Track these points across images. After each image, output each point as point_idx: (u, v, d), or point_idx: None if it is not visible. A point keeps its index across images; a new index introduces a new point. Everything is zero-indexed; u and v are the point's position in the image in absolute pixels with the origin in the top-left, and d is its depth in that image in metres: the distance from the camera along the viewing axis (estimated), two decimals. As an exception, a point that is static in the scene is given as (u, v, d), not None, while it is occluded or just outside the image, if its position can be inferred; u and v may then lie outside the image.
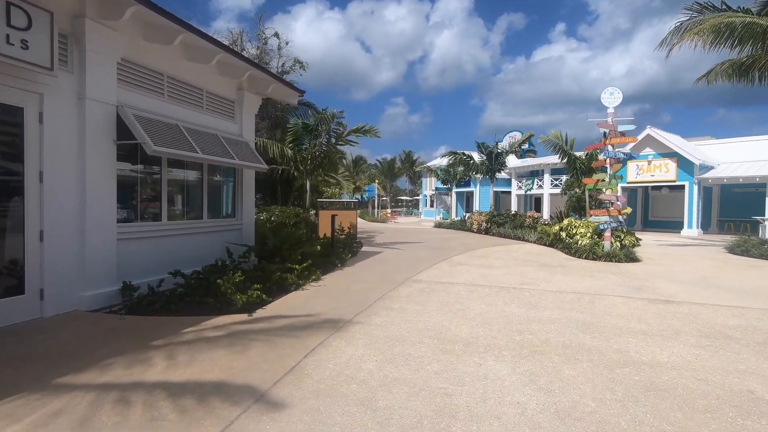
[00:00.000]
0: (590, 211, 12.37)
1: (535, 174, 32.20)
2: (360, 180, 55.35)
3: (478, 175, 24.51)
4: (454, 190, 37.34)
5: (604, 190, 11.84)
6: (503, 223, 19.55)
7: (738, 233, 22.52)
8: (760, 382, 3.55)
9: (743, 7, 11.82)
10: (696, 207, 21.79)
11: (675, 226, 23.61)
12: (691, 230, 21.78)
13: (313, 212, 16.22)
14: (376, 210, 38.92)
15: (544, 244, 14.68)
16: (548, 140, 14.67)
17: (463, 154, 22.28)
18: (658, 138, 22.56)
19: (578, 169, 14.57)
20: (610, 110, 11.68)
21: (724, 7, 11.87)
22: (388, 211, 49.17)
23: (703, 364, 3.94)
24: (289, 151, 13.66)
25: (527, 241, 16.08)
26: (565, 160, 14.92)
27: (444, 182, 25.69)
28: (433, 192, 39.29)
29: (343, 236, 13.96)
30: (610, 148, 11.64)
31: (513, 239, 17.16)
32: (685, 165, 21.90)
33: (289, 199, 20.02)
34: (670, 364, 3.95)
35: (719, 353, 4.25)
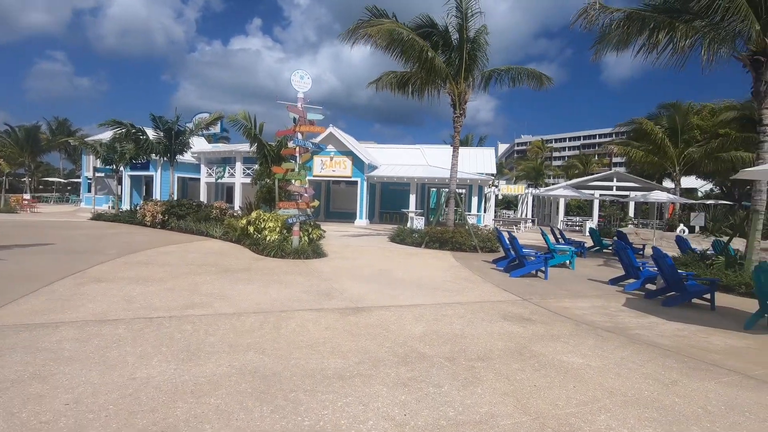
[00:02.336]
0: (280, 203, 11.35)
1: (227, 161, 29.99)
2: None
3: (156, 157, 20.15)
4: (128, 173, 30.46)
5: (293, 180, 10.97)
6: (185, 215, 16.44)
7: (393, 223, 27.56)
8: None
9: (408, 25, 13.41)
10: (365, 201, 25.05)
11: (350, 216, 26.59)
12: (361, 221, 24.88)
13: None
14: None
15: (231, 240, 12.78)
16: (236, 120, 12.83)
17: (133, 126, 17.52)
18: (338, 137, 24.62)
19: (268, 156, 13.43)
20: (300, 95, 10.88)
21: (393, 19, 13.11)
22: (25, 196, 35.89)
23: (413, 424, 2.87)
24: None
25: (212, 236, 13.77)
26: (255, 147, 13.51)
27: (107, 162, 19.85)
28: (99, 174, 30.87)
29: None
30: (299, 135, 10.83)
31: (196, 235, 14.46)
32: (358, 163, 24.77)
33: None
34: (379, 437, 2.68)
35: (422, 392, 3.36)
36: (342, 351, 4.16)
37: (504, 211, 39.56)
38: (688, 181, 32.57)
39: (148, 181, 32.96)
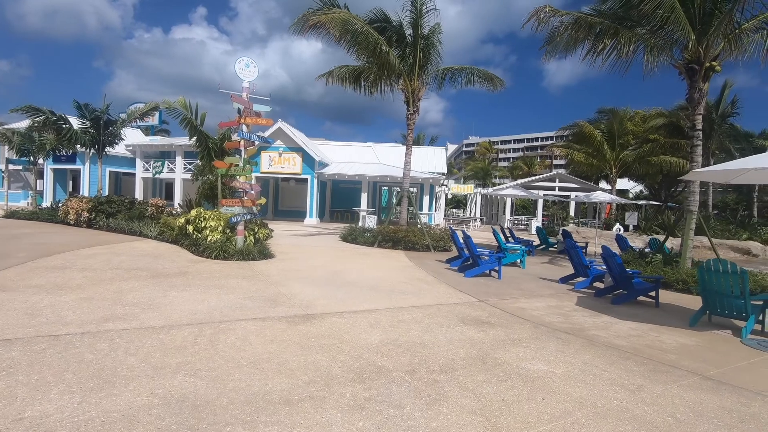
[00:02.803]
0: (223, 200, 10.50)
1: (166, 155, 27.96)
2: None
3: (83, 148, 18.22)
4: (51, 165, 27.60)
5: (237, 176, 10.18)
6: (115, 212, 14.97)
7: (343, 221, 27.01)
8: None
9: (362, 18, 12.95)
10: (316, 199, 24.31)
11: (300, 215, 25.72)
12: (311, 219, 24.12)
13: None
14: None
15: (168, 241, 11.71)
16: (173, 108, 11.70)
17: (53, 113, 15.63)
18: (288, 132, 23.68)
19: (211, 149, 12.43)
20: (246, 84, 10.10)
21: (346, 9, 12.62)
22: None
23: (374, 457, 2.46)
24: None
25: (146, 237, 12.57)
26: (195, 139, 12.46)
27: (23, 153, 17.65)
28: (14, 167, 27.66)
29: None
30: (244, 128, 10.05)
31: (127, 234, 13.16)
32: (308, 160, 23.97)
33: None
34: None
35: (382, 416, 2.96)
36: (290, 368, 3.66)
37: (454, 210, 40.22)
38: (621, 183, 34.73)
39: (75, 176, 30.11)
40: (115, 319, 4.71)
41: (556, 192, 28.54)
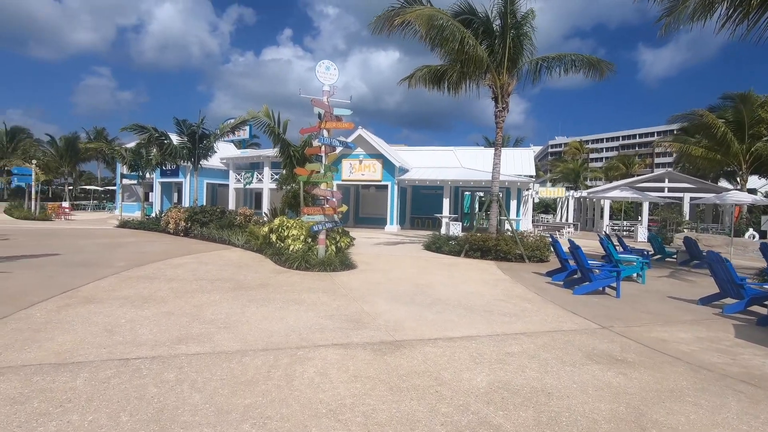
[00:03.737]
0: (304, 208, 10.24)
1: (255, 167, 29.45)
2: (14, 161, 39.31)
3: (182, 162, 19.61)
4: (159, 179, 30.44)
5: (319, 183, 9.82)
6: (207, 221, 15.65)
7: (424, 228, 26.16)
8: None
9: (446, 12, 12.09)
10: (396, 205, 23.77)
11: (380, 222, 25.36)
12: (392, 226, 23.60)
13: None
14: (33, 202, 27.35)
15: (253, 250, 11.76)
16: (257, 117, 11.82)
17: (155, 130, 16.92)
18: (368, 139, 23.49)
19: (293, 157, 12.37)
20: (326, 88, 9.74)
21: (429, 5, 11.85)
22: (65, 204, 36.73)
23: None
24: None
25: (234, 245, 12.83)
26: (278, 148, 12.49)
27: (133, 168, 19.45)
28: (127, 181, 30.95)
29: None
30: (325, 133, 9.68)
31: (217, 243, 13.58)
32: (388, 166, 23.54)
33: None
34: None
35: None
36: (378, 422, 2.87)
37: (542, 216, 37.36)
38: (751, 181, 29.60)
39: (179, 188, 32.87)
40: (189, 341, 4.31)
41: (666, 194, 25.00)
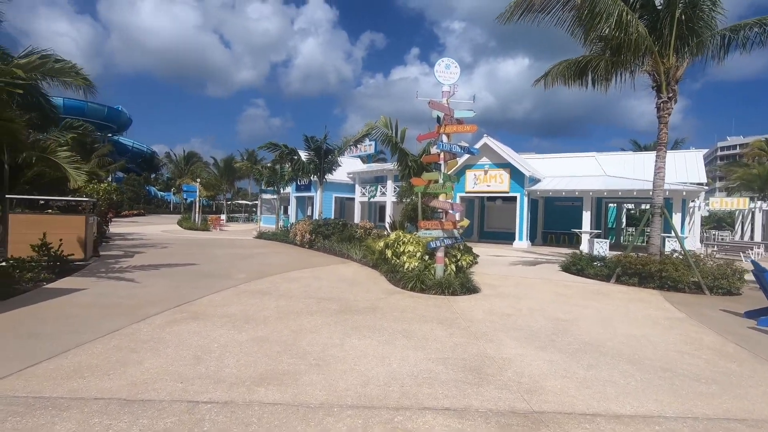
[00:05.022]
0: (420, 222, 9.32)
1: (379, 180, 29.87)
2: (185, 180, 46.84)
3: (314, 177, 20.60)
4: (294, 194, 32.94)
5: (437, 194, 8.81)
6: (330, 234, 15.82)
7: (559, 245, 23.18)
8: None
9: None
10: (526, 219, 21.48)
11: (507, 237, 23.22)
12: (521, 242, 21.34)
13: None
14: (195, 215, 31.90)
15: (369, 265, 11.24)
16: (375, 127, 11.39)
17: (286, 147, 17.96)
18: (494, 147, 21.79)
19: (411, 167, 11.61)
20: (445, 88, 8.74)
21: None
22: (221, 217, 42.34)
23: None
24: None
25: (351, 259, 12.53)
26: (396, 158, 11.88)
27: (270, 183, 21.07)
28: (272, 197, 34.17)
29: (34, 256, 8.31)
30: (444, 138, 8.65)
31: (337, 256, 13.49)
32: (516, 176, 21.45)
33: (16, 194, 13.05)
34: None
35: None
36: None
37: (715, 233, 30.43)
38: None
39: (312, 202, 35.19)
40: (271, 381, 3.61)
41: None
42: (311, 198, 34.15)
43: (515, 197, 21.63)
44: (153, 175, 71.43)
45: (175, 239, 18.53)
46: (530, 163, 24.72)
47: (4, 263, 8.60)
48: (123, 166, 52.36)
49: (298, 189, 31.54)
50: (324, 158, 17.77)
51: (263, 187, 23.23)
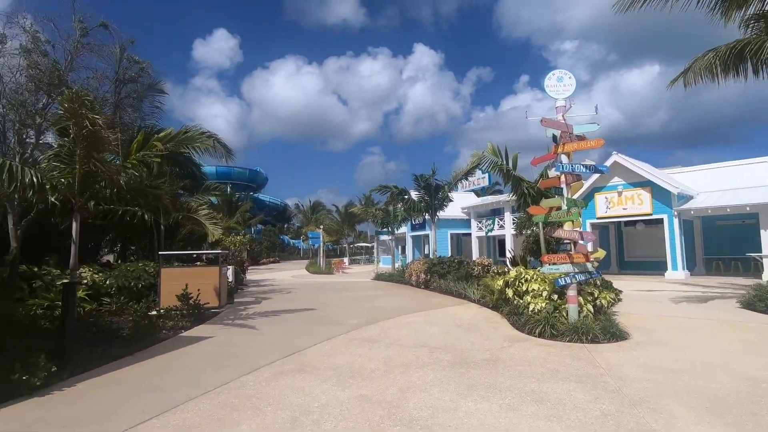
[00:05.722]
0: (544, 257, 8.12)
1: (496, 213, 28.38)
2: (310, 227, 50.62)
3: (427, 216, 20.36)
4: (410, 234, 33.14)
5: (561, 223, 7.62)
6: (445, 273, 15.09)
7: (728, 273, 18.82)
8: None
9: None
10: (679, 244, 17.98)
11: (656, 267, 19.65)
12: (676, 272, 17.82)
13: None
14: (320, 259, 33.94)
15: (489, 306, 10.19)
16: (482, 157, 10.57)
17: (396, 188, 18.07)
18: (627, 165, 19.09)
19: (527, 195, 10.45)
20: (560, 103, 7.71)
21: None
22: (344, 260, 44.55)
23: None
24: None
25: (469, 299, 11.59)
26: (510, 187, 10.85)
27: (383, 224, 21.40)
28: (388, 237, 34.91)
29: (179, 306, 9.21)
30: (564, 159, 7.54)
31: (454, 296, 12.66)
32: (660, 195, 18.31)
33: (174, 249, 15.22)
34: None
35: None
36: None
37: None
38: None
39: (425, 240, 34.94)
40: (368, 457, 3.05)
41: None
42: (426, 236, 33.90)
43: (661, 219, 18.42)
44: (285, 225, 79.30)
45: (300, 284, 19.62)
46: (675, 178, 21.04)
47: (155, 312, 9.75)
48: (261, 219, 59.17)
49: (413, 228, 31.62)
50: (434, 195, 17.41)
51: (378, 229, 23.71)
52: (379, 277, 20.63)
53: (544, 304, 7.81)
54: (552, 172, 7.87)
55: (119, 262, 15.40)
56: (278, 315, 9.84)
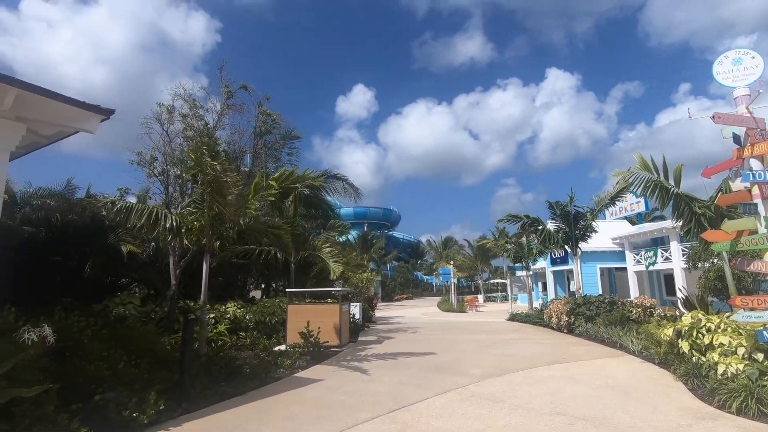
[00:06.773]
0: (736, 299, 5.90)
1: (659, 243, 23.76)
2: (441, 263, 49.66)
3: (567, 248, 17.89)
4: (550, 268, 29.94)
5: (757, 251, 5.48)
6: (593, 315, 12.69)
7: None
8: None
9: None
10: None
11: None
12: None
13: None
14: (452, 296, 32.61)
15: (653, 361, 7.94)
16: (629, 175, 8.44)
17: (527, 217, 16.24)
18: None
19: (700, 216, 7.92)
20: (741, 91, 5.76)
21: None
22: (478, 297, 42.43)
23: None
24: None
25: (626, 350, 9.31)
26: (671, 207, 8.42)
27: (516, 259, 19.49)
28: (528, 273, 32.05)
29: (301, 343, 9.27)
30: (755, 164, 5.51)
31: (605, 344, 10.40)
32: None
33: (307, 286, 16.10)
34: None
35: None
36: None
37: None
38: None
39: (569, 275, 31.08)
40: None
41: None
42: (570, 271, 30.07)
43: None
44: (419, 262, 79.95)
45: (427, 322, 18.80)
46: None
47: (282, 347, 10.01)
48: (395, 256, 60.68)
49: (554, 262, 28.46)
50: (574, 224, 15.17)
51: (511, 264, 21.76)
52: (514, 317, 18.59)
53: (740, 365, 5.63)
54: (736, 184, 5.82)
55: (263, 297, 16.81)
56: (396, 358, 9.17)
